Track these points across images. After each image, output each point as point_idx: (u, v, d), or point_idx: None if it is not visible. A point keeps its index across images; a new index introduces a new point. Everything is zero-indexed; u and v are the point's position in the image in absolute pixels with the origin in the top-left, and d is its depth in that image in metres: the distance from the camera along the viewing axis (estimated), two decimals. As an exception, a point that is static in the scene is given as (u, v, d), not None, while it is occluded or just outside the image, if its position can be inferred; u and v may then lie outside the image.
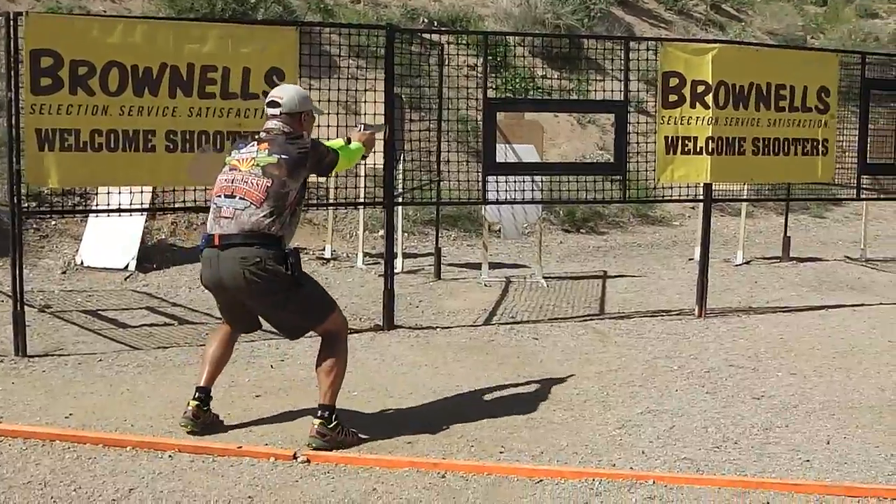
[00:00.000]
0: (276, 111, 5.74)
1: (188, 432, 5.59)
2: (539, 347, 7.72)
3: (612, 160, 9.71)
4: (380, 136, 6.85)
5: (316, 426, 5.44)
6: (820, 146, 9.48)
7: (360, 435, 5.61)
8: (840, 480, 5.12)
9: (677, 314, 9.01)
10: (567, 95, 15.70)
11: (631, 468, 5.21)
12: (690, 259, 11.73)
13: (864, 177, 10.49)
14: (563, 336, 8.08)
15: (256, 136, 5.75)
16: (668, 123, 8.76)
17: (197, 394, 5.67)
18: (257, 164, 5.52)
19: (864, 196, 11.27)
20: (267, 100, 5.86)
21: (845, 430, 5.94)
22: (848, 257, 12.73)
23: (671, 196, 10.31)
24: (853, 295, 10.15)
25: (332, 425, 5.47)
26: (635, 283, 10.51)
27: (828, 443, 5.70)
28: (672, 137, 8.76)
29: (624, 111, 8.98)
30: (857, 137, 9.99)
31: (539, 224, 10.56)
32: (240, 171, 5.55)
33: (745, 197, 12.41)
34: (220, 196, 5.56)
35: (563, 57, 16.55)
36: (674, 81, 8.76)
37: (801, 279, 11.08)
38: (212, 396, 5.74)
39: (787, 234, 12.62)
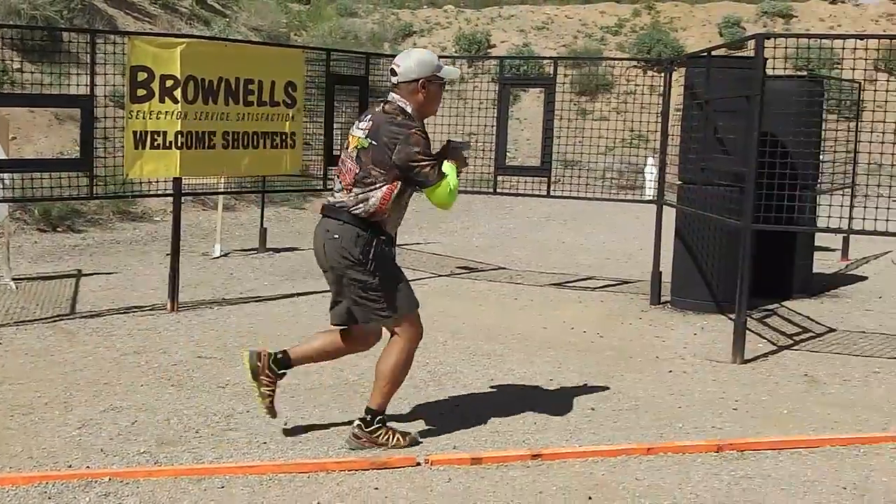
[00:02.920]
0: (394, 80, 5.54)
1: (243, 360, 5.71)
2: (1, 352, 7.39)
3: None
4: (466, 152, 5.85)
5: (353, 428, 5.58)
6: (288, 139, 9.73)
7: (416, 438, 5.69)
8: (293, 458, 5.35)
9: (150, 309, 8.97)
10: (48, 90, 15.11)
11: (87, 467, 5.13)
12: (168, 254, 11.69)
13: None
14: (29, 339, 7.78)
15: (376, 107, 5.57)
16: (137, 118, 8.62)
17: (278, 353, 5.70)
18: (356, 147, 5.47)
19: (329, 187, 11.74)
20: (390, 67, 5.59)
21: (303, 410, 6.20)
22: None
23: (149, 191, 10.22)
24: (323, 282, 10.52)
25: (370, 428, 5.53)
26: (110, 281, 10.33)
27: (285, 423, 5.91)
28: (141, 132, 8.62)
29: (90, 105, 8.77)
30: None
31: (6, 224, 10.08)
32: (347, 150, 5.56)
33: (219, 190, 12.32)
34: (335, 174, 5.71)
35: (40, 49, 15.90)
36: (142, 76, 8.63)
37: (275, 269, 11.42)
38: (282, 368, 5.70)
39: (264, 226, 12.94)
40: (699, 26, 30.68)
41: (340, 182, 5.52)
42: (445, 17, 31.00)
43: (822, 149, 10.92)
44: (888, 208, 7.81)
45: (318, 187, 11.59)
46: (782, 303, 10.29)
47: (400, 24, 30.54)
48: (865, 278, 12.31)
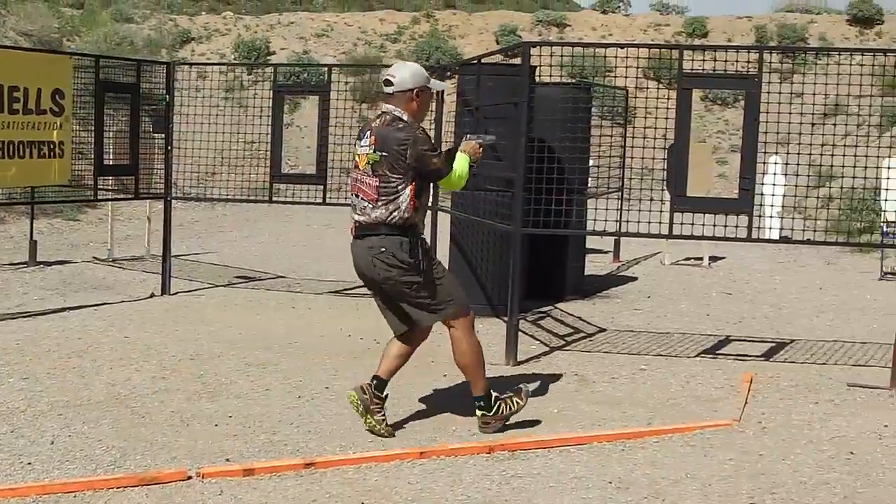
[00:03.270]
0: (390, 90, 5.97)
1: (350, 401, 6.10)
2: None
3: None
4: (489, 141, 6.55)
5: (478, 421, 6.16)
6: (56, 148, 9.42)
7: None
8: (59, 478, 5.17)
9: None
10: None
11: None
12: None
13: (106, 177, 10.71)
14: None
15: (371, 124, 6.00)
16: None
17: (373, 380, 6.11)
18: (368, 163, 5.92)
19: (101, 197, 11.47)
20: (383, 77, 6.03)
21: (71, 428, 6.01)
22: (96, 258, 12.90)
23: None
24: (96, 295, 10.31)
25: (492, 411, 6.11)
26: None
27: (52, 443, 5.72)
28: None
29: None
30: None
31: None
32: (359, 169, 5.98)
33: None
34: (352, 195, 6.04)
35: None
36: None
37: (46, 283, 11.05)
38: (384, 389, 6.11)
39: (34, 239, 12.50)
40: (477, 34, 31.20)
41: (363, 198, 5.95)
42: (224, 24, 30.55)
43: (591, 154, 11.27)
44: (655, 211, 8.14)
45: (90, 197, 11.26)
46: (556, 304, 10.57)
47: (178, 31, 29.92)
48: (636, 279, 12.77)
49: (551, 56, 8.74)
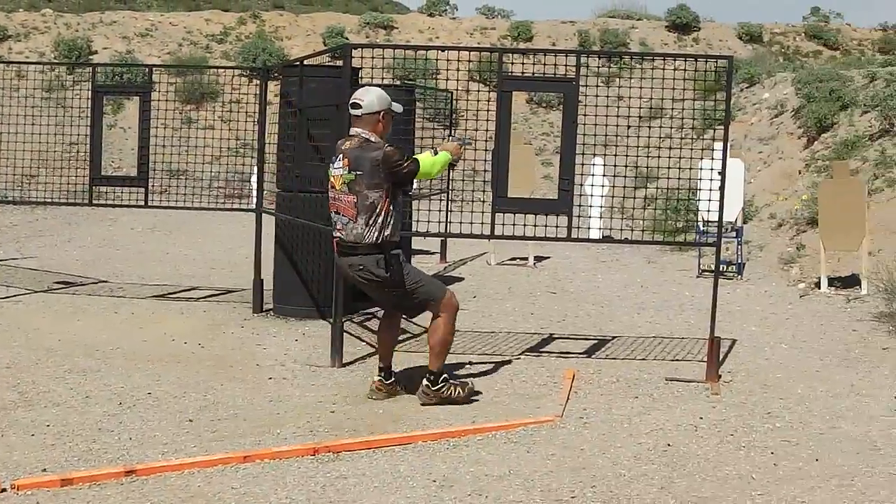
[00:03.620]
0: (358, 112, 6.64)
1: (370, 398, 6.94)
2: None
3: None
4: (468, 146, 7.30)
5: (422, 387, 6.85)
6: None
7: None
8: None
9: None
10: None
11: None
12: None
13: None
14: None
15: (342, 147, 6.66)
16: None
17: (379, 371, 7.04)
18: (344, 183, 6.59)
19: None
20: (350, 101, 6.68)
21: None
22: None
23: None
24: None
25: (436, 387, 6.81)
26: None
27: None
28: None
29: None
30: None
31: None
32: (335, 188, 6.69)
33: None
34: (332, 212, 6.79)
35: None
36: None
37: None
38: (393, 371, 7.05)
39: None
40: (304, 36, 31.04)
41: (343, 215, 6.66)
42: (44, 22, 29.66)
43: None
44: (479, 212, 8.22)
45: None
46: (383, 306, 10.59)
47: (-7, 28, 28.95)
48: (462, 279, 12.90)
49: (375, 59, 8.76)
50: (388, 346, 7.14)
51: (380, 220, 6.57)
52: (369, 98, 6.69)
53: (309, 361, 8.12)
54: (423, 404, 6.81)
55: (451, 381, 6.94)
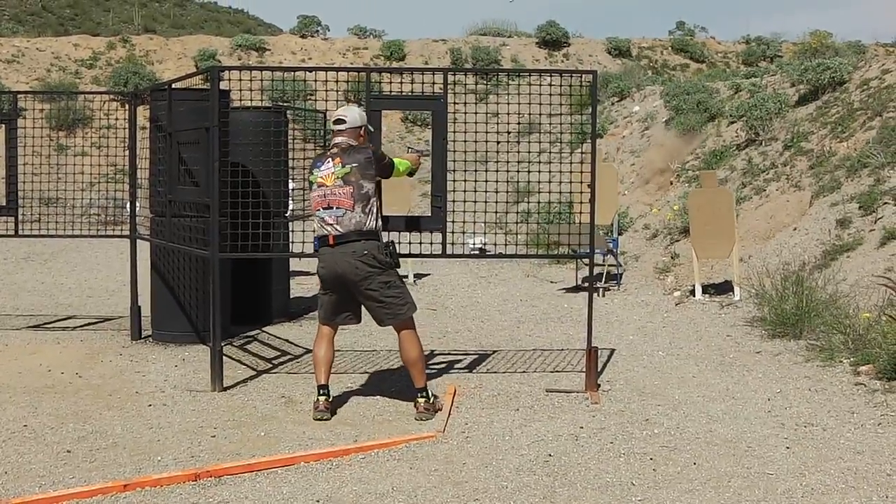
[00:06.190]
0: (343, 127, 7.21)
1: (320, 420, 7.05)
2: None
3: None
4: (425, 156, 8.05)
5: (419, 407, 7.15)
6: None
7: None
8: None
9: None
10: None
11: None
12: None
13: None
14: None
15: (329, 153, 7.18)
16: None
17: (321, 390, 7.19)
18: (338, 178, 7.04)
19: None
20: (333, 118, 7.26)
21: None
22: None
23: None
24: None
25: (431, 401, 7.22)
26: None
27: None
28: None
29: None
30: None
31: None
32: (327, 186, 7.08)
33: None
34: (319, 210, 7.12)
35: None
36: None
37: None
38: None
39: None
40: (176, 59, 30.75)
41: (339, 207, 7.02)
42: None
43: (291, 177, 11.31)
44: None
45: None
46: (263, 328, 10.54)
47: None
48: (343, 299, 12.85)
49: (248, 81, 8.73)
50: (327, 364, 7.27)
51: (374, 209, 7.09)
52: (352, 115, 7.28)
53: (189, 386, 8.04)
54: (420, 420, 7.08)
55: (433, 395, 7.36)
